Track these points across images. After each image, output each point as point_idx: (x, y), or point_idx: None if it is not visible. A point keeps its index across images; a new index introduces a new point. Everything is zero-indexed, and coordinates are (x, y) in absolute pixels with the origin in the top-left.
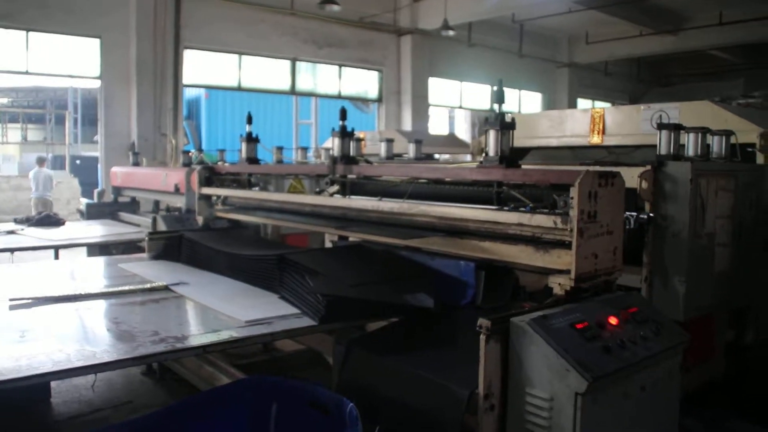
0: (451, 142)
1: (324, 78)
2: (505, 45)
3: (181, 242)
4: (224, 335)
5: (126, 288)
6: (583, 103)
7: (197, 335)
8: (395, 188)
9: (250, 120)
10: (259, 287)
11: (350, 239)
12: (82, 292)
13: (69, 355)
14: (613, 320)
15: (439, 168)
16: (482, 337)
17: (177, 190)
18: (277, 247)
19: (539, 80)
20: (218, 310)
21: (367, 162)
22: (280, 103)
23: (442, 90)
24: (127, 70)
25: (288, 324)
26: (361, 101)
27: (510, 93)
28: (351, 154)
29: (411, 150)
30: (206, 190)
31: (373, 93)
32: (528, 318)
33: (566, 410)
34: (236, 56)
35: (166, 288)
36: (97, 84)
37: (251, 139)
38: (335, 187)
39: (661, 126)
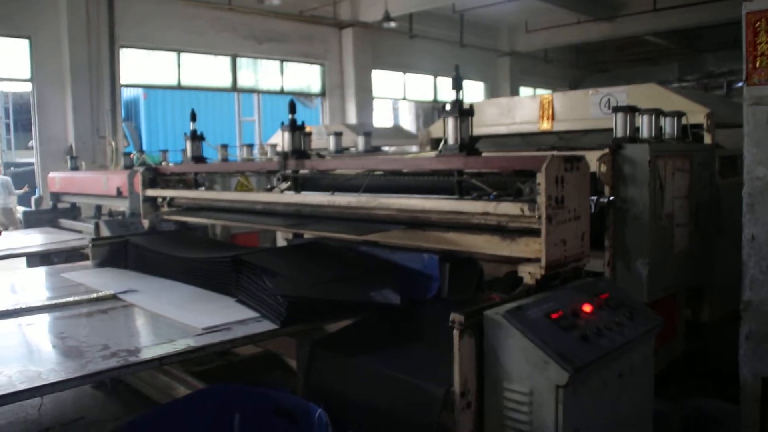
0: (397, 133)
1: (266, 74)
2: (446, 35)
3: (127, 248)
4: (180, 345)
5: (71, 299)
6: (525, 91)
7: (151, 347)
8: (349, 182)
9: (194, 117)
10: (214, 291)
11: (305, 236)
12: (23, 306)
13: (11, 377)
14: (587, 308)
15: (396, 159)
16: (455, 333)
17: (119, 194)
18: (230, 249)
19: (481, 69)
20: (172, 318)
21: (320, 156)
22: (222, 100)
23: (385, 82)
24: (60, 72)
25: (248, 329)
26: (304, 96)
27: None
28: (302, 148)
29: (360, 143)
30: (151, 192)
31: (316, 87)
32: (502, 310)
33: (547, 404)
34: (174, 54)
35: (113, 297)
36: (29, 87)
37: (196, 137)
38: (286, 184)
39: (616, 109)
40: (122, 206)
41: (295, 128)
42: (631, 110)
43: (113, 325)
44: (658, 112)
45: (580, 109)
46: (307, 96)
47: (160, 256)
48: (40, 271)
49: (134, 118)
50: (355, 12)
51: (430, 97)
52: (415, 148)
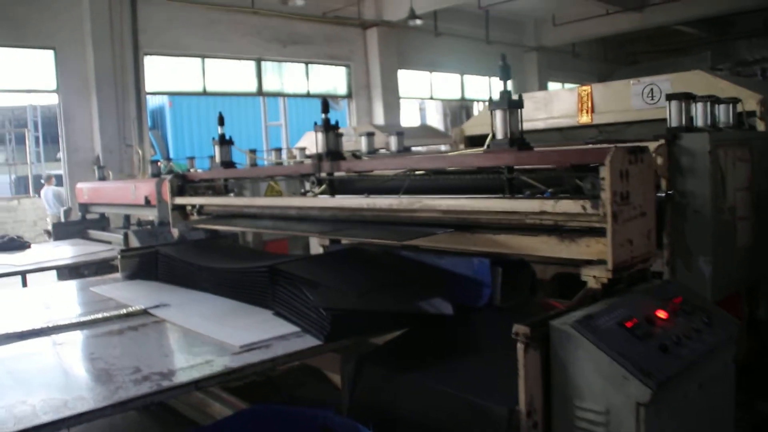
0: (427, 133)
1: (291, 77)
2: (472, 32)
3: (157, 258)
4: (218, 366)
5: (100, 315)
6: (553, 87)
7: (186, 368)
8: (388, 184)
9: (222, 121)
10: (249, 304)
11: (343, 242)
12: (52, 324)
13: (34, 407)
14: (661, 314)
15: (439, 157)
16: (520, 346)
17: (148, 203)
18: (264, 257)
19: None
20: (207, 335)
21: (355, 157)
22: (247, 105)
23: (411, 82)
24: (85, 81)
25: (289, 346)
26: (330, 98)
27: (479, 80)
28: (337, 149)
29: (392, 143)
30: (179, 200)
31: (342, 89)
32: (570, 320)
33: (626, 423)
34: (199, 60)
35: (144, 312)
36: (55, 99)
37: (225, 142)
38: (320, 188)
39: (670, 96)
40: (151, 215)
41: (329, 128)
42: (687, 98)
43: (145, 344)
44: (714, 100)
45: (621, 100)
46: (333, 98)
47: (191, 267)
48: (70, 286)
49: (160, 127)
50: (379, 11)
51: (457, 96)
52: (445, 148)
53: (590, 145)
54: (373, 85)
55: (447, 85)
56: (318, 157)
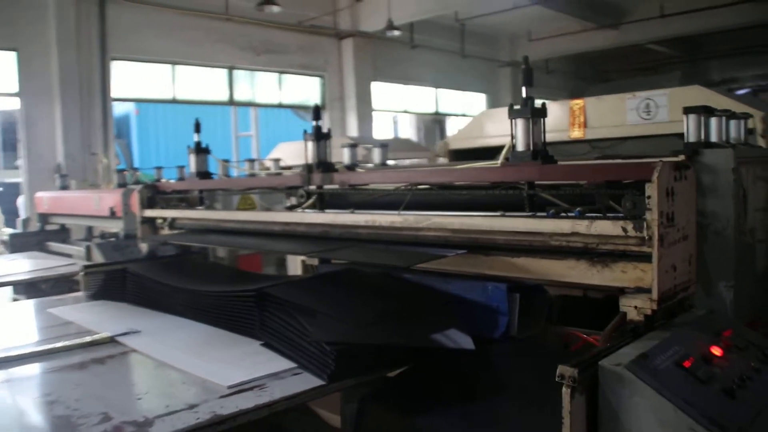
0: (405, 146)
1: (263, 87)
2: (447, 45)
3: (126, 277)
4: (204, 413)
5: (59, 344)
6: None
7: (166, 416)
8: (384, 199)
9: (198, 128)
10: (233, 332)
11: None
12: (1, 355)
13: None
14: (716, 350)
15: (450, 170)
16: (566, 391)
17: (113, 214)
18: (247, 278)
19: (482, 80)
20: (188, 371)
21: (349, 168)
22: (216, 115)
23: (386, 94)
24: (49, 85)
25: (287, 386)
26: (302, 109)
27: (454, 94)
28: (328, 159)
29: (375, 155)
30: (150, 213)
31: (315, 100)
32: (624, 360)
33: None
34: (169, 66)
35: (111, 340)
36: (16, 103)
37: (201, 150)
38: (308, 201)
39: (688, 110)
40: (116, 227)
41: (321, 137)
42: (706, 111)
43: (113, 382)
44: (729, 115)
45: (616, 115)
46: (305, 109)
47: (165, 287)
48: (24, 307)
49: (125, 136)
50: (355, 22)
51: (432, 110)
52: (424, 162)
53: (627, 160)
54: (347, 97)
55: (421, 98)
56: (308, 168)
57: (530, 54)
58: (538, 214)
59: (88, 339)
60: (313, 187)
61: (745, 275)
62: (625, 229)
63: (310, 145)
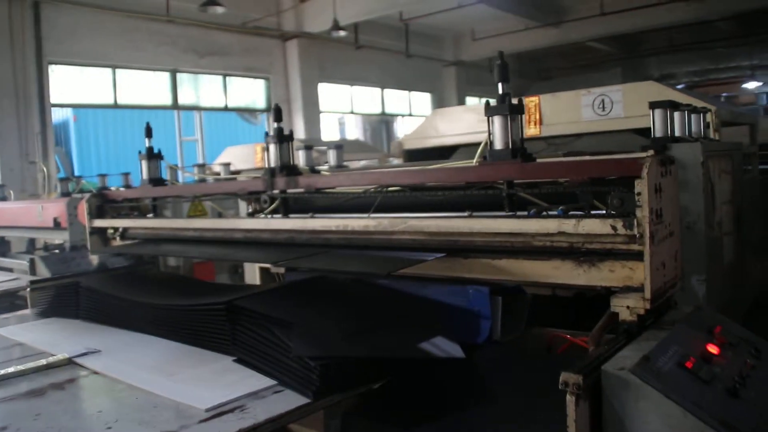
0: (357, 147)
1: (208, 90)
2: (392, 46)
3: (78, 292)
4: None
5: (12, 369)
6: (471, 101)
7: None
8: (352, 202)
9: (149, 133)
10: (200, 347)
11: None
12: None
13: None
14: (713, 349)
15: (422, 170)
16: (570, 399)
17: (57, 225)
18: (211, 290)
19: (427, 80)
20: (159, 394)
21: (314, 171)
22: (157, 119)
23: (332, 96)
24: None
25: (269, 406)
26: (248, 112)
27: (399, 94)
28: (291, 162)
29: (331, 157)
30: (100, 223)
31: (261, 103)
32: (627, 363)
33: None
34: (109, 70)
35: (69, 362)
36: None
37: (153, 156)
38: (270, 207)
39: (654, 104)
40: (60, 239)
41: (284, 139)
42: (672, 106)
43: (77, 409)
44: (690, 109)
45: (571, 111)
46: (251, 112)
47: (123, 302)
48: None
49: (64, 143)
50: (299, 23)
51: (378, 110)
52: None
53: (606, 156)
54: (294, 99)
55: (367, 99)
56: (270, 172)
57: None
58: (519, 213)
59: (43, 362)
60: (276, 192)
61: (715, 269)
62: (614, 227)
63: (272, 147)
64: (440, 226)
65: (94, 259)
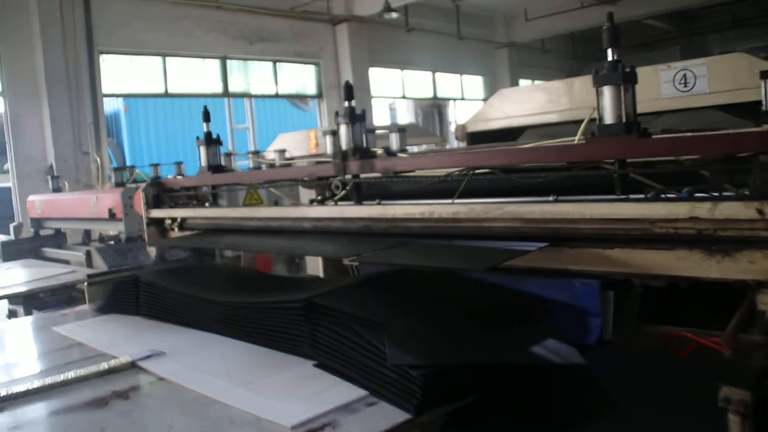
0: (417, 132)
1: (258, 77)
2: (443, 28)
3: (138, 287)
4: None
5: (72, 374)
6: (523, 84)
7: None
8: (434, 187)
9: (207, 116)
10: (275, 349)
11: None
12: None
13: None
14: None
15: (518, 150)
16: (735, 419)
17: (112, 216)
18: (282, 284)
19: (479, 63)
20: (236, 406)
21: (389, 154)
22: (209, 108)
23: (383, 80)
24: (35, 83)
25: (366, 423)
26: (299, 99)
27: (451, 78)
28: (365, 145)
29: (393, 141)
30: (157, 213)
31: (311, 89)
32: None
33: None
34: (160, 59)
35: (132, 366)
36: (0, 105)
37: (212, 141)
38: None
39: (766, 75)
40: (115, 230)
41: (356, 119)
42: None
43: (145, 424)
44: None
45: (650, 88)
46: (302, 99)
47: (188, 299)
48: (25, 324)
49: (115, 135)
50: (349, 6)
51: (430, 95)
52: (430, 147)
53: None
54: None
55: (419, 83)
56: (342, 155)
57: (526, 34)
58: (633, 197)
59: (105, 366)
60: (348, 177)
61: None
62: (761, 212)
63: (343, 128)
64: (546, 211)
65: (152, 251)
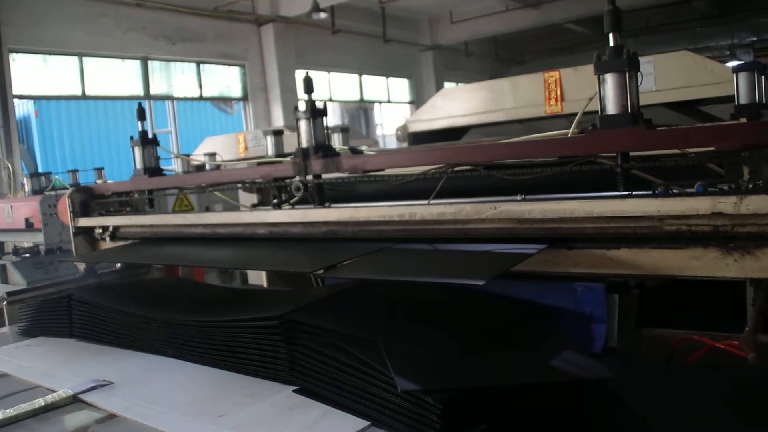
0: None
1: (181, 79)
2: (369, 30)
3: (71, 305)
4: None
5: (0, 414)
6: (448, 86)
7: None
8: (406, 187)
9: (142, 115)
10: (245, 374)
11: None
12: None
13: None
14: None
15: (505, 145)
16: None
17: (29, 226)
18: (234, 297)
19: (405, 65)
20: None
21: (354, 152)
22: (125, 111)
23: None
24: None
25: None
26: (223, 101)
27: (377, 81)
28: (327, 143)
29: (336, 141)
30: (86, 221)
31: (236, 91)
32: None
33: None
34: (76, 59)
35: (75, 400)
36: None
37: (148, 141)
38: (298, 195)
39: (739, 68)
40: (31, 241)
41: (317, 113)
42: (760, 69)
43: None
44: None
45: (594, 86)
46: (226, 101)
47: (133, 318)
48: None
49: (26, 140)
50: (275, 6)
51: (356, 97)
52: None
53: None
54: (271, 86)
55: (345, 86)
56: (303, 154)
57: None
58: (637, 193)
59: (40, 402)
60: (310, 177)
61: None
62: None
63: (303, 124)
64: (547, 210)
65: (81, 266)
